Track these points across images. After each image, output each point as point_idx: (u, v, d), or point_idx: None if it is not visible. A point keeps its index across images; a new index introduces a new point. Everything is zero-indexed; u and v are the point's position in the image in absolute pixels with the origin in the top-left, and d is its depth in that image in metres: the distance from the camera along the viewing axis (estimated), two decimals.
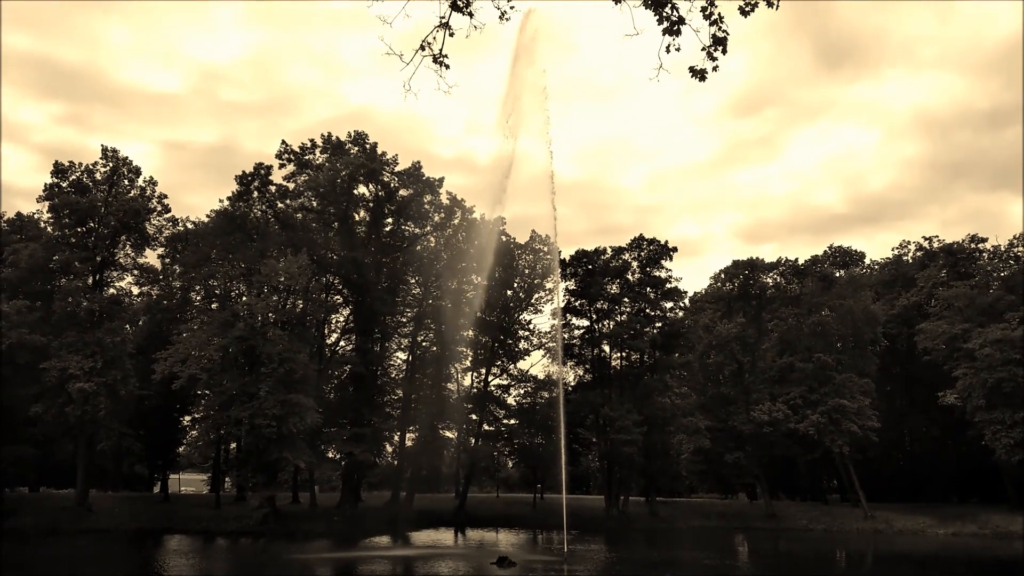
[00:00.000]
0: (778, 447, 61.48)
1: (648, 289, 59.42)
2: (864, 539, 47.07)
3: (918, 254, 70.02)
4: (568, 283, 60.99)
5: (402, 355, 58.96)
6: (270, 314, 46.89)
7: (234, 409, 44.68)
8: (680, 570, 27.39)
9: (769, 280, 64.44)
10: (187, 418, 59.53)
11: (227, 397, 45.76)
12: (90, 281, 51.01)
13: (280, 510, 49.44)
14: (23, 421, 48.61)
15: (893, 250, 76.64)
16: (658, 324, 59.46)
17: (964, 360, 52.82)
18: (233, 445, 56.83)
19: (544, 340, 60.72)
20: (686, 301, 64.09)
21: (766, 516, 59.14)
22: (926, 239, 70.06)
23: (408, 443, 57.34)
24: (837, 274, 65.83)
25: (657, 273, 59.42)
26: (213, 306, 51.73)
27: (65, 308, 48.03)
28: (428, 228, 56.03)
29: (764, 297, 63.91)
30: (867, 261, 76.04)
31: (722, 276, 66.59)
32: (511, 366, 60.16)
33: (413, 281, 57.61)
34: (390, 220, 55.74)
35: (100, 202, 50.01)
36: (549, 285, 59.25)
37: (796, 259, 63.50)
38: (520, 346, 59.87)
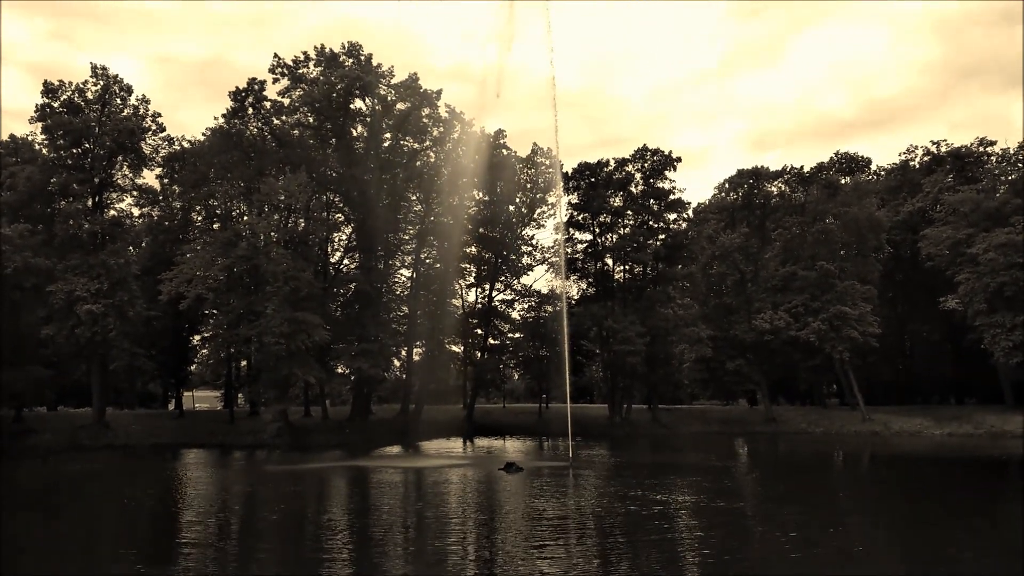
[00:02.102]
0: (779, 354, 62.34)
1: (651, 201, 58.98)
2: (861, 441, 48.38)
3: (925, 159, 68.92)
4: (571, 196, 60.51)
5: (406, 272, 59.20)
6: (272, 233, 46.94)
7: (242, 328, 45.52)
8: (682, 471, 28.30)
9: (773, 189, 63.80)
10: (197, 337, 60.59)
11: (234, 316, 46.47)
12: (90, 203, 50.89)
13: (293, 424, 50.90)
14: (36, 343, 49.77)
15: (900, 155, 75.51)
16: (661, 236, 59.32)
17: (967, 265, 52.81)
18: (244, 363, 57.97)
19: (547, 255, 60.80)
20: (690, 212, 63.73)
21: (766, 421, 60.61)
22: (934, 143, 68.80)
23: (415, 358, 58.39)
24: (842, 181, 65.06)
25: (660, 184, 58.82)
26: (215, 226, 51.70)
27: (67, 231, 48.29)
28: (427, 143, 55.15)
29: (768, 206, 63.44)
30: (873, 167, 74.98)
31: (726, 186, 65.94)
32: (515, 281, 60.46)
33: (414, 198, 57.19)
34: (388, 135, 54.83)
35: (93, 122, 49.31)
36: (551, 199, 58.88)
37: (801, 167, 62.63)
38: (523, 261, 59.96)
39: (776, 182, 63.66)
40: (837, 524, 16.49)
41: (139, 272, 51.29)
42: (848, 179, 67.51)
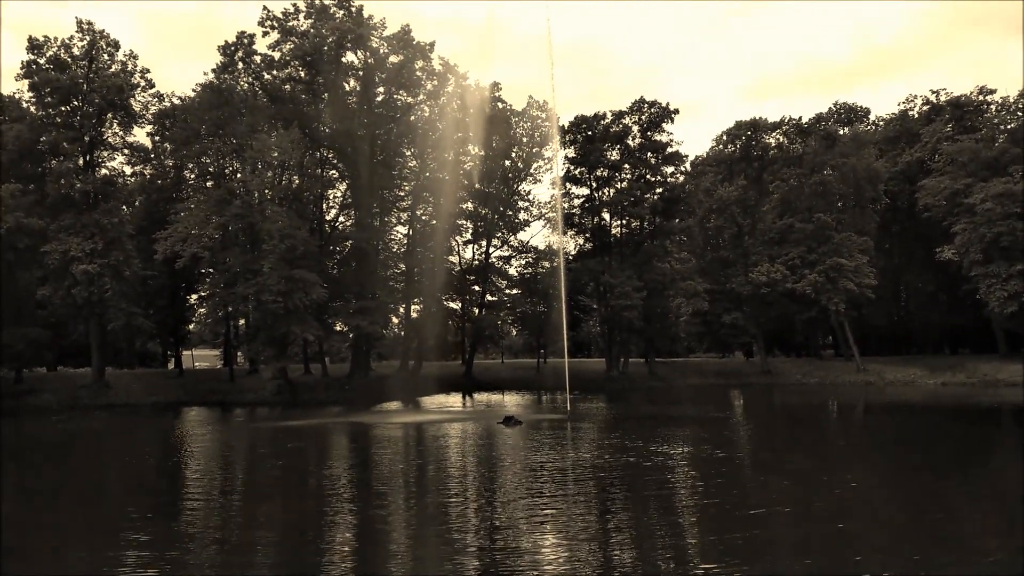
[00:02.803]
0: (775, 307, 62.62)
1: (649, 154, 58.46)
2: (856, 391, 48.92)
3: (924, 108, 68.23)
4: (567, 151, 59.97)
5: (402, 229, 58.97)
6: (266, 191, 46.60)
7: (239, 286, 45.49)
8: (679, 423, 28.65)
9: (772, 140, 63.28)
10: (194, 296, 60.62)
11: (231, 275, 46.43)
12: (81, 162, 50.35)
13: (293, 381, 51.28)
14: (33, 304, 49.85)
15: (899, 105, 74.80)
16: (658, 190, 58.96)
17: (964, 215, 52.73)
18: (242, 321, 58.07)
19: (544, 210, 60.52)
20: (687, 165, 63.26)
21: (761, 372, 61.18)
22: (933, 92, 68.09)
23: (413, 315, 58.55)
24: (841, 132, 64.51)
25: (658, 137, 58.25)
26: (208, 184, 51.24)
27: (59, 190, 47.83)
28: (421, 97, 54.36)
29: (766, 158, 63.00)
30: (872, 117, 74.31)
31: (724, 138, 65.34)
32: (511, 237, 60.27)
33: (409, 153, 56.60)
34: (381, 89, 53.97)
35: (81, 79, 48.54)
36: (548, 153, 58.37)
37: (800, 118, 62.03)
38: (520, 217, 59.71)
39: (774, 134, 63.15)
40: (832, 472, 16.74)
41: (133, 231, 51.06)
42: (847, 130, 66.96)
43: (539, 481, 15.33)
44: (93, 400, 48.15)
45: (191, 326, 67.09)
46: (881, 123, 73.30)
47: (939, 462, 18.35)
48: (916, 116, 68.97)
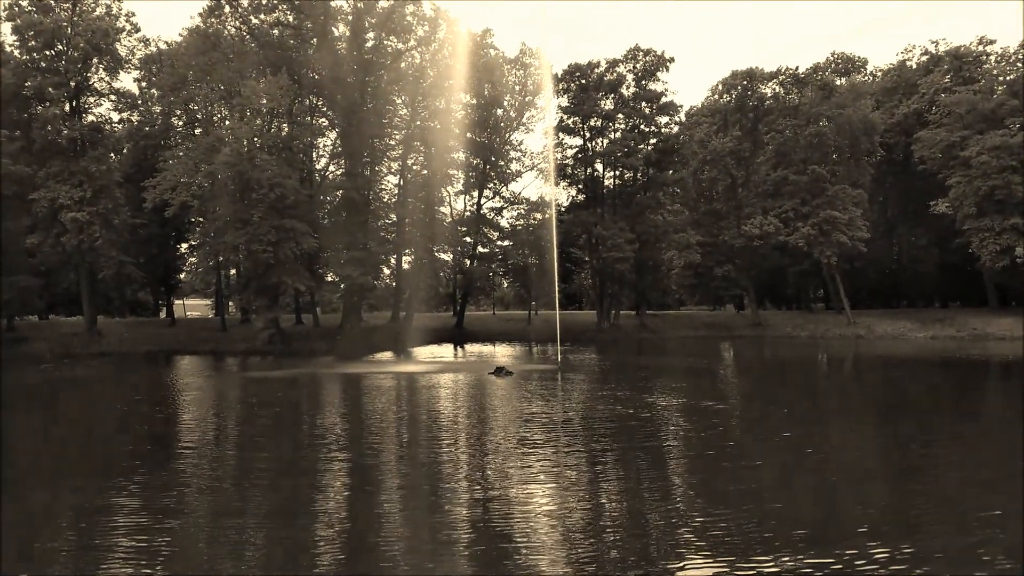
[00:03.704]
0: (767, 260, 62.78)
1: (643, 104, 57.81)
2: (845, 344, 49.44)
3: (923, 59, 67.39)
4: (560, 99, 59.18)
5: (393, 179, 58.40)
6: (255, 139, 45.88)
7: (229, 235, 45.19)
8: (669, 374, 28.96)
9: (768, 91, 62.54)
10: (184, 245, 60.29)
11: (221, 224, 46.08)
12: (67, 108, 49.61)
13: (284, 331, 51.39)
14: (23, 252, 49.53)
15: (897, 55, 73.82)
16: (652, 140, 58.51)
17: (959, 169, 52.60)
18: (233, 271, 57.92)
19: (536, 161, 59.98)
20: (682, 116, 62.65)
21: (752, 325, 61.67)
22: (933, 42, 67.20)
23: (405, 265, 58.44)
24: (838, 82, 63.76)
25: (653, 86, 57.54)
26: (196, 131, 50.48)
27: (45, 137, 47.32)
28: (412, 43, 53.19)
29: (762, 109, 62.37)
30: (870, 68, 73.36)
31: (719, 88, 64.55)
32: (503, 188, 59.85)
33: (399, 101, 55.67)
34: (371, 35, 52.75)
35: (65, 22, 47.43)
36: (540, 102, 57.53)
37: (796, 67, 61.21)
38: (512, 168, 59.21)
39: (771, 84, 62.37)
40: (822, 424, 16.98)
41: (122, 179, 50.56)
42: (844, 80, 66.17)
43: (530, 431, 15.50)
44: (85, 348, 48.28)
45: (182, 275, 66.93)
46: (879, 74, 72.42)
47: (925, 415, 18.64)
48: (914, 67, 68.17)
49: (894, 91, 67.75)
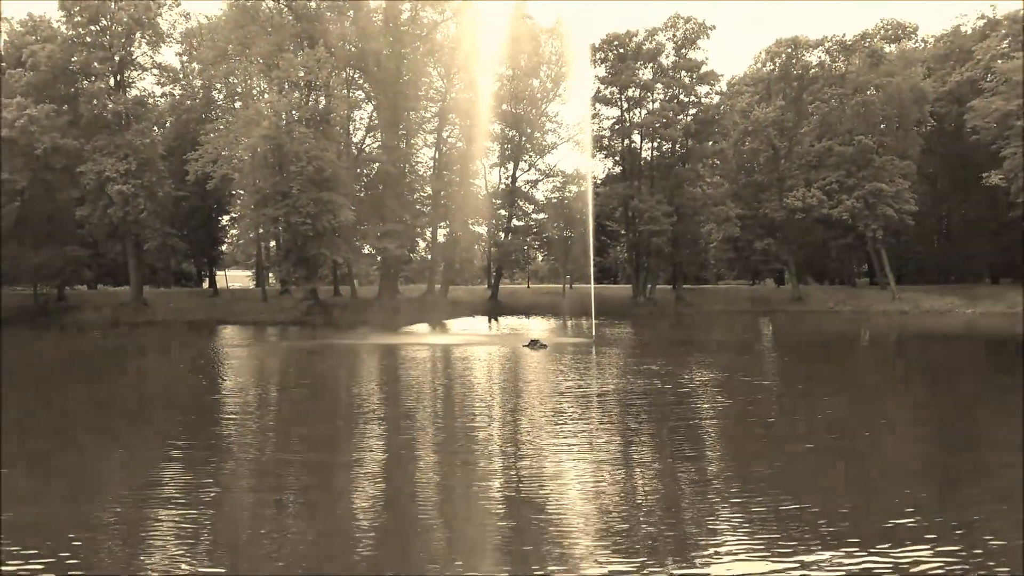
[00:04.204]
0: (809, 233, 61.51)
1: (683, 73, 56.68)
2: (889, 319, 48.38)
3: (979, 23, 64.55)
4: (597, 70, 58.29)
5: (429, 152, 58.43)
6: (293, 111, 46.31)
7: (269, 208, 45.92)
8: (705, 349, 28.72)
9: (813, 59, 60.70)
10: (226, 218, 61.38)
11: (261, 196, 46.80)
12: (112, 82, 50.65)
13: (323, 302, 52.19)
14: (72, 224, 51.07)
15: (951, 20, 70.88)
16: (692, 111, 57.43)
17: (1015, 139, 50.59)
18: (273, 243, 58.84)
19: (572, 133, 59.30)
20: (723, 85, 61.32)
21: (792, 300, 60.66)
22: (991, 6, 64.31)
23: (440, 238, 58.66)
24: (887, 49, 61.57)
25: (693, 55, 56.29)
26: (236, 105, 51.07)
27: (92, 111, 48.45)
28: (448, 13, 52.82)
29: (806, 77, 60.61)
30: (921, 35, 70.61)
31: (763, 56, 62.80)
32: (539, 160, 59.42)
33: (435, 73, 55.47)
34: (407, 6, 52.51)
35: None
36: (577, 73, 56.73)
37: (843, 34, 59.26)
38: (548, 140, 58.64)
39: (816, 51, 60.52)
40: (863, 403, 16.69)
41: (165, 152, 51.55)
42: (893, 48, 63.84)
43: (564, 405, 15.54)
44: (132, 317, 49.69)
45: (224, 247, 68.23)
46: (931, 40, 69.73)
47: (969, 394, 18.18)
48: (969, 32, 65.39)
49: (946, 58, 65.21)
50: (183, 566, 6.92)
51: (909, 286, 62.50)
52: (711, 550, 7.19)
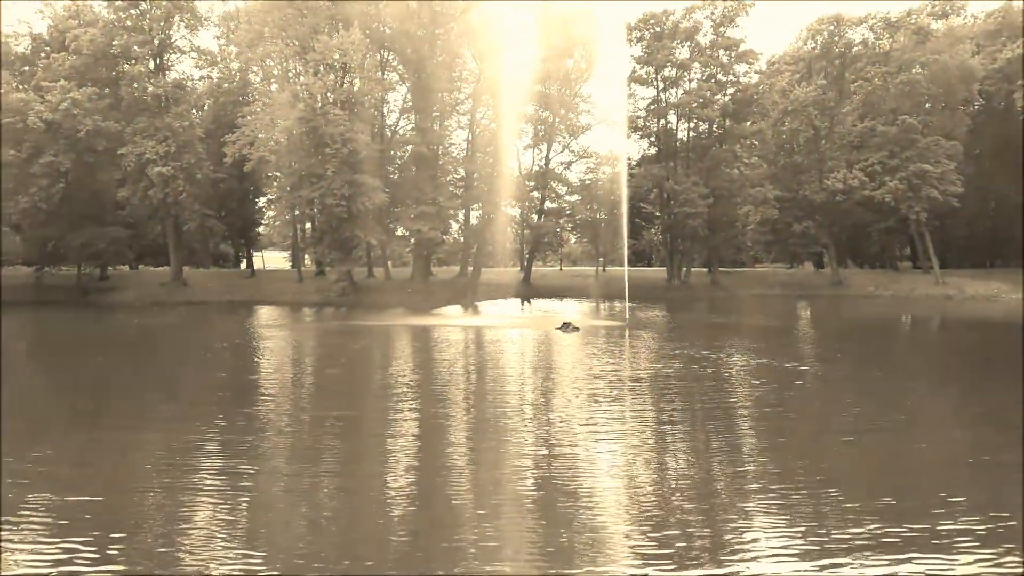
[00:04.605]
0: (850, 215, 60.16)
1: (720, 52, 55.58)
2: (932, 304, 47.20)
3: None
4: (633, 49, 57.42)
5: (462, 133, 58.25)
6: (328, 94, 46.50)
7: (304, 190, 46.36)
8: (741, 332, 28.34)
9: (856, 36, 58.97)
10: (262, 199, 62.13)
11: (296, 178, 47.27)
12: (152, 66, 51.42)
13: (357, 283, 52.66)
14: (114, 205, 52.25)
15: None
16: (730, 90, 56.35)
17: None
18: (308, 225, 59.42)
19: (607, 113, 58.52)
20: (762, 64, 59.96)
21: (832, 284, 59.53)
22: None
23: (473, 220, 58.65)
24: (934, 26, 59.57)
25: (731, 33, 55.12)
26: (273, 87, 51.46)
27: (132, 94, 49.29)
28: None
29: (849, 55, 58.94)
30: (970, 11, 68.13)
31: (804, 34, 61.19)
32: (572, 142, 58.86)
33: (469, 54, 55.15)
34: None
35: None
36: (612, 52, 55.89)
37: (888, 12, 57.43)
38: (581, 121, 57.98)
39: (859, 29, 58.78)
40: (902, 387, 16.30)
41: (203, 135, 52.24)
42: (940, 24, 61.74)
43: (597, 388, 15.45)
44: (172, 297, 50.75)
45: (261, 228, 69.12)
46: (980, 16, 67.26)
47: (1006, 382, 17.64)
48: (1021, 7, 62.90)
49: (997, 34, 62.86)
50: (221, 545, 7.03)
51: (953, 270, 60.87)
52: (747, 541, 7.08)
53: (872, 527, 7.25)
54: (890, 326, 33.96)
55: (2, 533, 7.12)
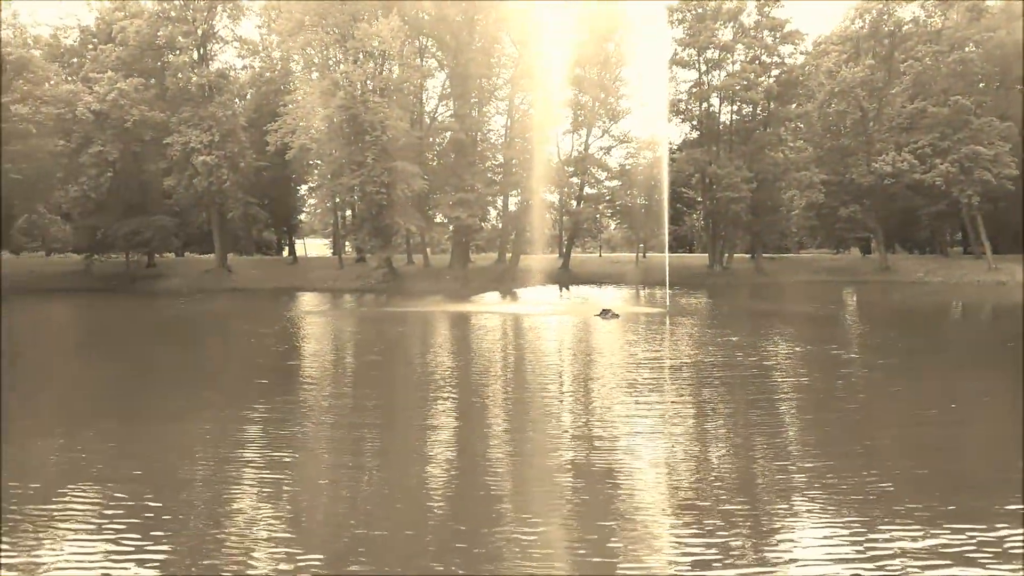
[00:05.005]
0: (899, 199, 58.51)
1: (765, 33, 54.32)
2: (984, 291, 45.70)
3: None
4: (674, 31, 56.45)
5: (500, 119, 58.04)
6: (368, 81, 46.73)
7: (345, 177, 46.77)
8: (785, 319, 27.77)
9: (906, 14, 57.01)
10: (304, 187, 62.92)
11: (337, 166, 47.71)
12: (195, 56, 52.26)
13: (397, 270, 53.06)
14: (160, 194, 53.44)
15: None
16: (775, 72, 55.10)
17: None
18: (349, 212, 60.03)
19: (648, 97, 57.66)
20: (808, 45, 58.48)
21: (879, 269, 58.05)
22: None
23: (511, 207, 58.51)
24: (988, 2, 57.25)
25: (776, 13, 53.82)
26: (313, 76, 51.90)
27: (177, 84, 50.16)
28: None
29: (899, 35, 57.07)
30: None
31: (852, 13, 59.36)
32: (612, 126, 58.20)
33: (507, 39, 54.81)
34: None
35: None
36: (653, 35, 54.98)
37: None
38: (622, 105, 57.26)
39: (910, 6, 56.80)
40: (955, 377, 15.78)
41: (246, 124, 53.04)
42: (996, 0, 59.30)
43: (637, 375, 15.27)
44: (216, 284, 51.79)
45: (302, 216, 70.03)
46: None
47: None
48: None
49: None
50: (262, 528, 7.10)
51: (1007, 256, 58.73)
52: (792, 538, 6.89)
53: (928, 528, 6.97)
54: (940, 313, 32.96)
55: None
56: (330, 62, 50.28)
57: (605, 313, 27.74)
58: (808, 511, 7.41)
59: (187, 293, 47.40)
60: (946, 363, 18.09)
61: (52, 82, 50.31)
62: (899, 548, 6.44)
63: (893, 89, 57.72)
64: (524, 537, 6.79)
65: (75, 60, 57.07)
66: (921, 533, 6.76)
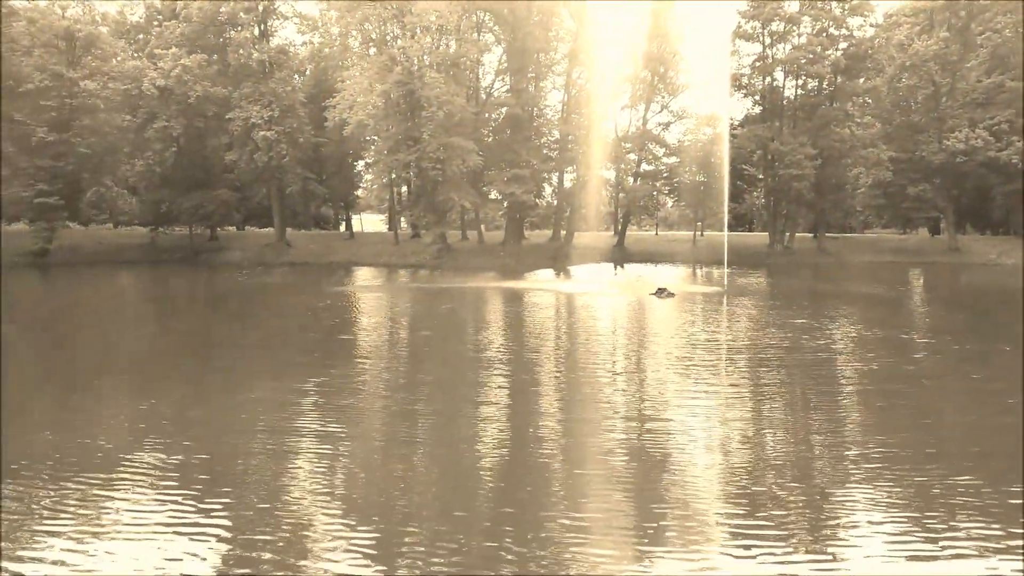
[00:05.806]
0: (971, 178, 55.85)
1: (833, 5, 52.16)
2: None
3: None
4: (738, 3, 54.70)
5: (557, 94, 57.39)
6: (425, 56, 46.71)
7: (401, 153, 47.02)
8: (848, 300, 26.86)
9: None
10: (361, 163, 63.59)
11: (393, 142, 47.96)
12: (256, 32, 53.05)
13: (451, 246, 53.29)
14: (222, 168, 54.73)
15: None
16: (842, 45, 52.90)
17: None
18: (404, 188, 60.50)
19: (709, 72, 56.15)
20: (878, 17, 55.97)
21: (948, 250, 55.74)
22: None
23: (567, 183, 57.98)
24: None
25: None
26: (371, 51, 52.15)
27: (238, 60, 51.01)
28: None
29: (975, 5, 54.07)
30: None
31: None
32: (672, 101, 56.93)
33: (566, 12, 53.98)
34: None
35: None
36: (716, 8, 53.44)
37: None
38: (682, 79, 55.91)
39: None
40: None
41: (305, 99, 53.71)
42: None
43: (693, 356, 14.97)
44: (276, 258, 52.97)
45: (359, 192, 70.88)
46: None
47: None
48: None
49: None
50: (314, 507, 7.19)
51: None
52: (850, 528, 6.62)
53: (1007, 526, 6.61)
54: (1015, 297, 31.41)
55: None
56: (387, 37, 50.41)
57: (661, 292, 27.30)
58: (868, 503, 7.10)
59: (247, 266, 48.62)
60: (1011, 347, 17.18)
61: (119, 58, 51.78)
62: (978, 548, 6.11)
63: (968, 63, 54.89)
64: (573, 522, 6.70)
65: (141, 36, 58.63)
66: (1000, 532, 6.41)
